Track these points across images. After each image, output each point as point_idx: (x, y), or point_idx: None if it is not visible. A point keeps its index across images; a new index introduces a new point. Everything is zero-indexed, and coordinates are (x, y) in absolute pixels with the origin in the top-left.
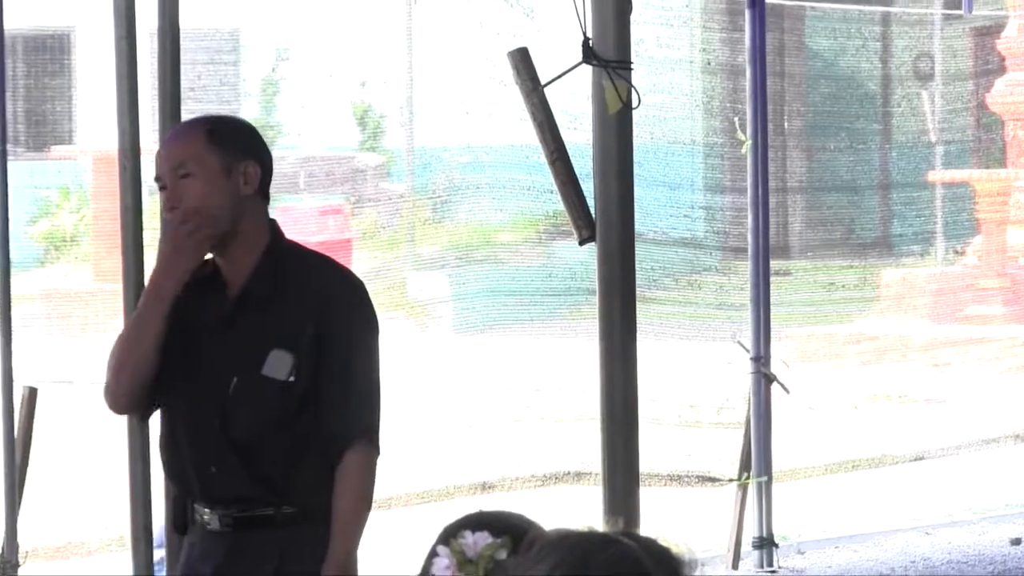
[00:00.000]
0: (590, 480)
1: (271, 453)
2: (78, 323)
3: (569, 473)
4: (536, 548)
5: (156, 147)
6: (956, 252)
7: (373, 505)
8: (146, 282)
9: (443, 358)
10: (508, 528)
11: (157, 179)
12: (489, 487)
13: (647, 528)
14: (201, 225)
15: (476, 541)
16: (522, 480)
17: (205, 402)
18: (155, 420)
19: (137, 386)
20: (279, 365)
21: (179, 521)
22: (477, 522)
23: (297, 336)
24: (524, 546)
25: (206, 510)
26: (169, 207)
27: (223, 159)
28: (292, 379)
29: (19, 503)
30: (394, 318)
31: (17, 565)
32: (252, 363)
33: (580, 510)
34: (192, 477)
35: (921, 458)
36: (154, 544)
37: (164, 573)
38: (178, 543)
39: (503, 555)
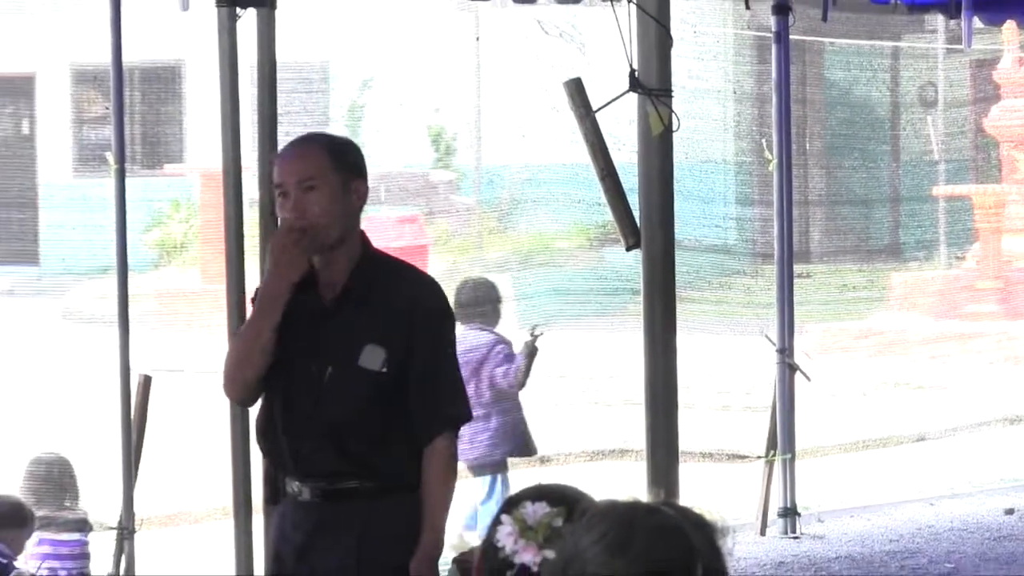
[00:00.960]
0: (633, 456)
1: (359, 434)
2: (186, 319)
3: (615, 450)
4: (587, 517)
5: (255, 165)
6: (957, 257)
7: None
8: (247, 284)
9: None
10: (564, 499)
11: (279, 186)
12: (546, 461)
13: (685, 499)
14: (312, 237)
15: (535, 510)
16: (574, 455)
17: (302, 388)
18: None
19: (252, 380)
20: (373, 358)
21: (271, 493)
22: (536, 493)
23: (390, 334)
24: (577, 515)
25: (296, 483)
26: (295, 216)
27: (342, 177)
28: (384, 370)
29: (135, 477)
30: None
31: (133, 531)
32: (347, 355)
33: (624, 483)
34: (286, 454)
35: (924, 438)
36: None
37: None
38: (270, 513)
39: (559, 523)
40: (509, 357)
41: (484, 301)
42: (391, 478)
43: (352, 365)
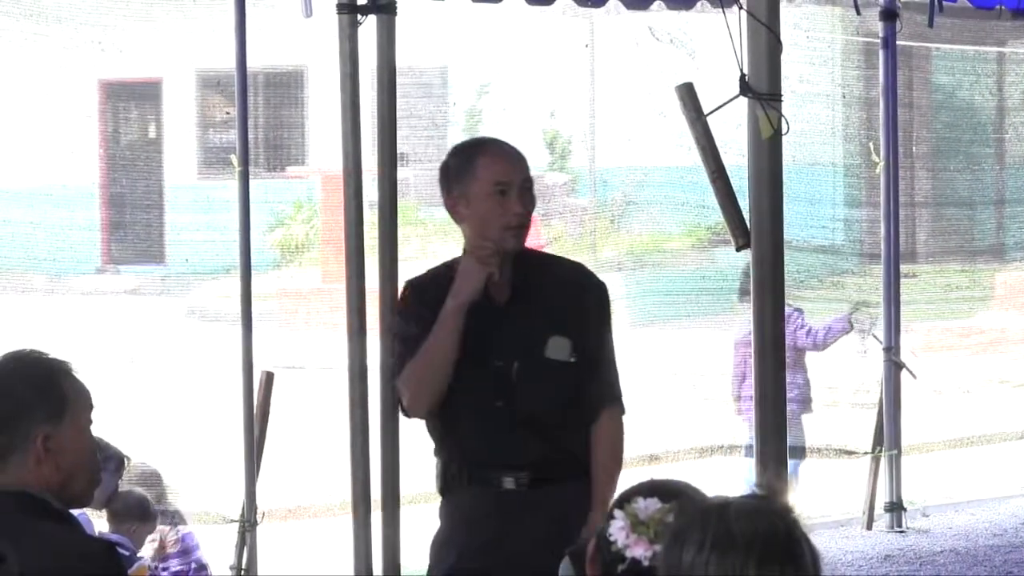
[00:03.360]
0: (740, 452)
1: (557, 422)
2: (307, 317)
3: (723, 446)
4: (670, 536)
5: (375, 168)
6: None
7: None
8: (367, 284)
9: (620, 347)
10: (675, 494)
11: (501, 183)
12: (656, 458)
13: (795, 493)
14: (495, 250)
15: (647, 506)
16: (683, 452)
17: (492, 385)
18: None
19: (437, 392)
20: (560, 348)
21: (447, 484)
22: (649, 489)
23: (567, 323)
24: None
25: (496, 474)
26: (523, 212)
27: None
28: (573, 360)
29: (257, 471)
30: None
31: (256, 523)
32: (533, 349)
33: (733, 480)
34: (479, 447)
35: None
36: None
37: None
38: (446, 504)
39: (671, 518)
40: (803, 321)
41: None
42: (580, 460)
43: (540, 358)
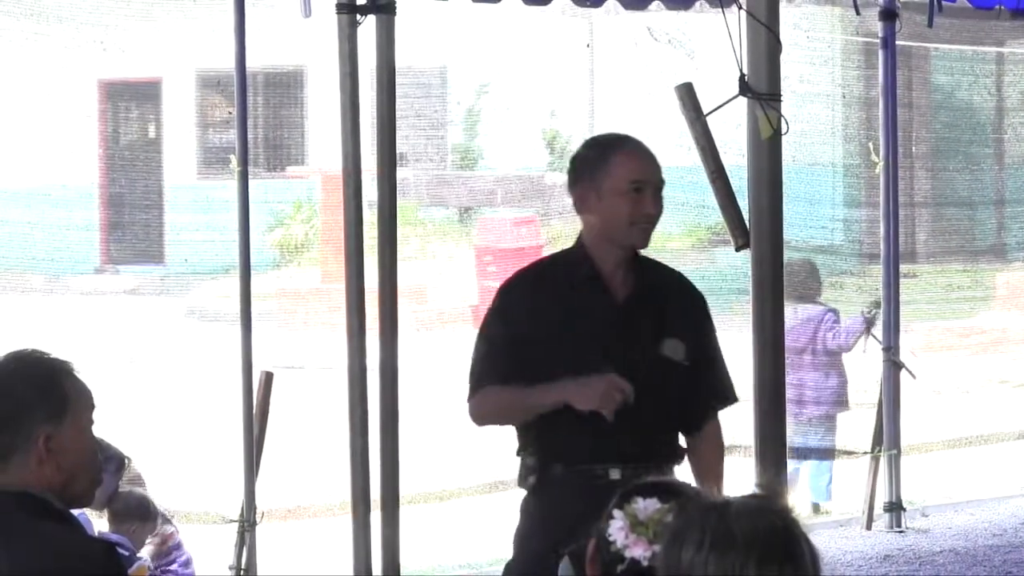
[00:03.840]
0: (741, 453)
1: (666, 421)
2: (306, 317)
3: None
4: (670, 536)
5: (375, 168)
6: None
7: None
8: (366, 284)
9: None
10: (675, 494)
11: (637, 181)
12: None
13: (793, 493)
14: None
15: (647, 506)
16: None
17: None
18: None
19: (508, 424)
20: (676, 349)
21: (539, 481)
22: (648, 489)
23: (680, 326)
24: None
25: (601, 466)
26: (655, 212)
27: None
28: (687, 362)
29: (257, 471)
30: None
31: (255, 523)
32: (652, 350)
33: (731, 479)
34: (583, 441)
35: None
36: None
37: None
38: (534, 499)
39: (670, 518)
40: (836, 323)
41: (810, 280)
42: (676, 453)
43: (656, 357)
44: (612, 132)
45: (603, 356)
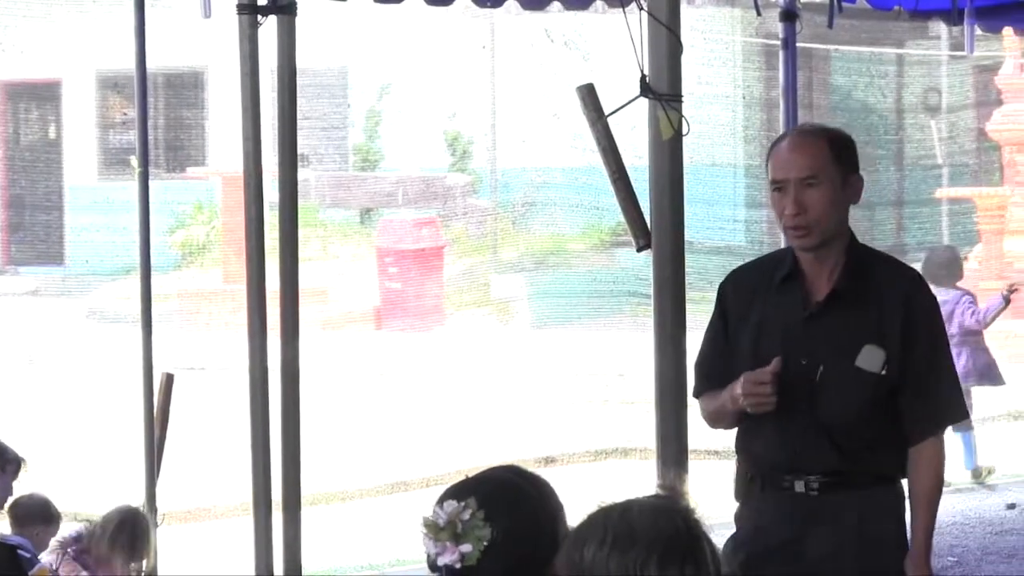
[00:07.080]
0: (637, 455)
1: (855, 433)
2: (208, 318)
3: (618, 449)
4: (574, 535)
5: (276, 169)
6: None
7: (469, 469)
8: (267, 285)
9: (521, 349)
10: (469, 491)
11: (775, 182)
12: (551, 461)
13: (694, 493)
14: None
15: (444, 509)
16: (578, 455)
17: (794, 388)
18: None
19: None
20: (872, 359)
21: (741, 489)
22: (448, 494)
23: (886, 332)
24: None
25: (788, 477)
26: (794, 212)
27: (842, 171)
28: (883, 372)
29: (158, 472)
30: (479, 314)
31: (156, 525)
32: (843, 355)
33: (629, 482)
34: (777, 450)
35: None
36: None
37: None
38: (742, 508)
39: (467, 515)
40: (973, 304)
41: (950, 263)
42: (885, 469)
43: (849, 366)
44: (797, 125)
45: (793, 359)
